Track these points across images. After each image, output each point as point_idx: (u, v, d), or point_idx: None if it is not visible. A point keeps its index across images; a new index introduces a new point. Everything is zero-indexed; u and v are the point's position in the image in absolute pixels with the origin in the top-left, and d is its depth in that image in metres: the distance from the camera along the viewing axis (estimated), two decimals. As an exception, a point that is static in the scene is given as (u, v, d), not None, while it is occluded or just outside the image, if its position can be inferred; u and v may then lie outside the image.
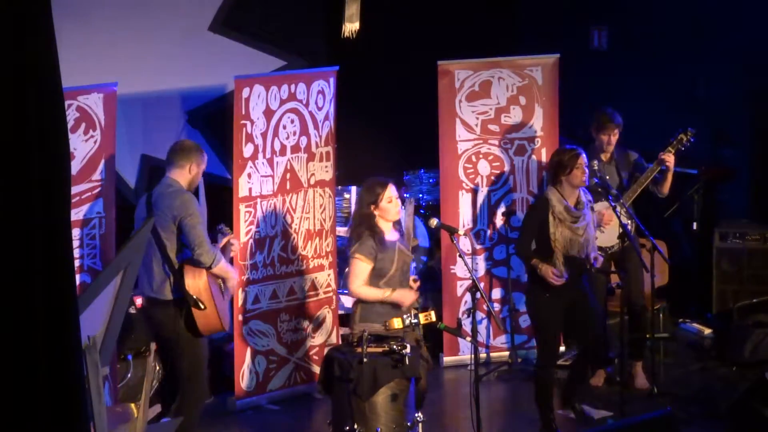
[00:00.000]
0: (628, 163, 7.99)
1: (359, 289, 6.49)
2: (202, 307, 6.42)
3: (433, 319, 6.32)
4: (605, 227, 7.77)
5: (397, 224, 6.67)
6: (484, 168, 8.62)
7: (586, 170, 7.07)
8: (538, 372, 7.27)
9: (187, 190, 6.62)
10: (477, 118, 8.62)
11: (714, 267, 9.17)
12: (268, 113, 7.75)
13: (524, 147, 8.65)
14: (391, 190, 6.51)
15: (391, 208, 6.50)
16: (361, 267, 6.46)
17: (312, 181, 8.06)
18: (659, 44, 9.81)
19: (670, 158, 7.72)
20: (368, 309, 6.48)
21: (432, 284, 8.87)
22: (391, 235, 6.55)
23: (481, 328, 8.56)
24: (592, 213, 7.23)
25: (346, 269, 6.89)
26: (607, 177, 7.81)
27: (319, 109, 8.01)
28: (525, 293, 7.44)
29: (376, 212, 6.49)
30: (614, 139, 7.87)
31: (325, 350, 7.46)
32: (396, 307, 6.45)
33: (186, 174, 6.62)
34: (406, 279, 6.60)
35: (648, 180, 7.80)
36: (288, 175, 7.91)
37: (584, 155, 7.11)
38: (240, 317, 7.72)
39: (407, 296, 6.49)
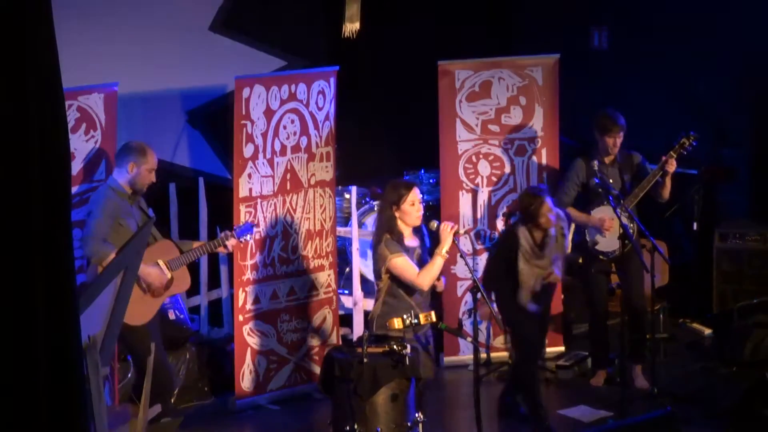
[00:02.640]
0: (631, 165, 7.98)
1: (422, 278, 6.36)
2: None
3: (434, 319, 6.31)
4: (607, 233, 7.78)
5: (417, 231, 6.61)
6: (484, 168, 8.62)
7: (552, 216, 7.23)
8: (519, 368, 7.34)
9: (116, 188, 6.72)
10: (477, 118, 8.61)
11: (714, 267, 9.17)
12: (269, 113, 7.75)
13: (524, 147, 8.65)
14: (415, 193, 6.45)
15: (413, 211, 6.43)
16: (404, 263, 6.35)
17: (312, 181, 8.06)
18: (659, 44, 9.81)
19: (672, 164, 7.72)
20: (392, 306, 6.41)
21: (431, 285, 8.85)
22: (410, 240, 6.52)
23: (481, 328, 8.55)
24: (563, 240, 7.42)
25: (378, 285, 6.56)
26: (610, 180, 7.81)
27: (320, 109, 8.01)
28: (498, 301, 7.40)
29: (396, 214, 6.43)
30: (619, 141, 7.85)
31: (325, 350, 7.46)
32: (422, 299, 6.46)
33: (126, 173, 6.75)
34: None
35: (650, 184, 7.79)
36: (288, 176, 7.91)
37: (549, 200, 7.29)
38: (240, 317, 7.73)
39: (447, 234, 6.34)
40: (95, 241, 6.56)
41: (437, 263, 6.36)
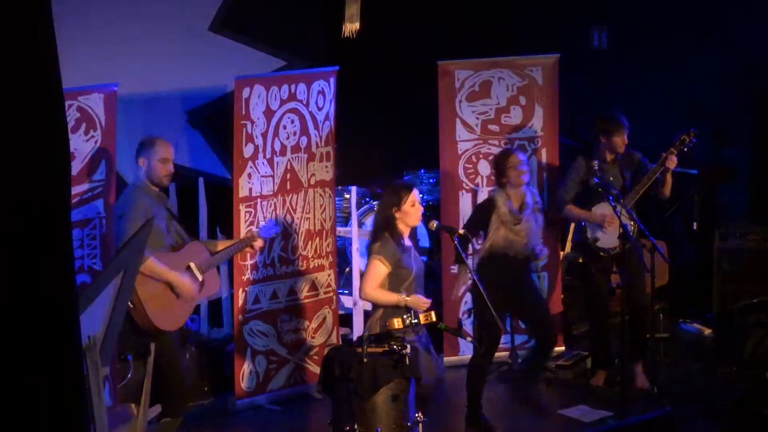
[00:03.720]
0: (631, 163, 7.98)
1: (373, 292, 6.36)
2: (130, 305, 6.38)
3: (434, 319, 6.30)
4: (608, 229, 7.78)
5: (411, 232, 6.61)
6: (484, 168, 8.62)
7: (523, 169, 7.34)
8: (476, 360, 7.28)
9: (142, 186, 6.76)
10: (477, 118, 8.62)
11: (714, 267, 9.17)
12: (269, 113, 7.75)
13: (524, 147, 8.65)
14: (415, 194, 6.46)
15: (414, 212, 6.44)
16: (379, 269, 6.36)
17: (312, 181, 8.06)
18: (659, 44, 9.81)
19: (673, 160, 7.72)
20: (392, 312, 6.40)
21: (432, 285, 8.85)
22: (407, 240, 6.53)
23: (482, 328, 8.54)
24: (539, 214, 7.47)
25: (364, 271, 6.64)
26: (611, 178, 7.81)
27: (320, 109, 8.01)
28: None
29: (397, 215, 6.44)
30: (626, 138, 7.89)
31: (325, 350, 7.46)
32: None
33: (140, 169, 6.83)
34: (420, 285, 6.56)
35: (651, 181, 7.78)
36: (288, 175, 7.91)
37: (517, 154, 7.39)
38: (240, 317, 7.73)
39: (421, 302, 6.36)
40: None
41: (393, 300, 6.33)
